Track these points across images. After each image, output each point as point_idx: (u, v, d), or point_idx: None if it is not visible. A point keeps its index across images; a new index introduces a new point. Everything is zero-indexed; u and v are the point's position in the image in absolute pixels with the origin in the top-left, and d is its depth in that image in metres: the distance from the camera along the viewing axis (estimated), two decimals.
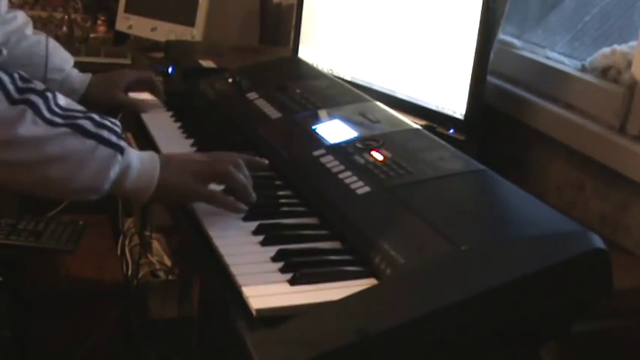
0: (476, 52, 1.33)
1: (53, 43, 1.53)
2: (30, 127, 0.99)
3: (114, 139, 1.05)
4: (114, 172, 1.04)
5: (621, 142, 1.22)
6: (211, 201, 1.10)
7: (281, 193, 1.18)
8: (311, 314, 0.86)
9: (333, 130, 1.29)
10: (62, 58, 1.52)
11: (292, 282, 0.92)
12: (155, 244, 2.22)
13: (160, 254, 2.21)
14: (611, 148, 1.23)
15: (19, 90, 1.00)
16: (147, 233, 2.15)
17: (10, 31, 1.45)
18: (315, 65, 1.70)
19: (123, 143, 1.06)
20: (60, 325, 1.90)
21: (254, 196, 1.12)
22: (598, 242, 0.91)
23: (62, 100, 1.06)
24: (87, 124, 1.03)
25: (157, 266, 2.16)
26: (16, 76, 1.02)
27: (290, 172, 1.22)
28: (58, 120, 1.02)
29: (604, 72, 1.33)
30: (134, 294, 2.03)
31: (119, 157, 1.04)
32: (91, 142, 1.03)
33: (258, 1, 2.41)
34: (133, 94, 1.59)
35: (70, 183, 1.03)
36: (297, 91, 1.48)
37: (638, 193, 1.20)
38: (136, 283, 2.06)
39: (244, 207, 1.10)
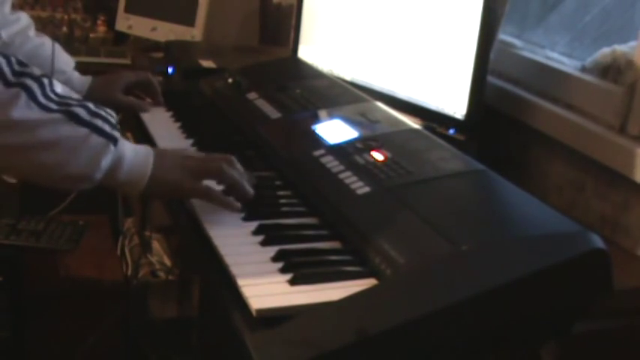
0: (476, 52, 1.33)
1: (56, 46, 1.53)
2: (23, 111, 0.99)
3: (107, 128, 1.04)
4: (106, 162, 1.04)
5: (621, 142, 1.22)
6: (204, 197, 1.10)
7: (281, 193, 1.18)
8: (311, 314, 0.86)
9: (333, 130, 1.29)
10: (64, 61, 1.53)
11: (292, 282, 0.92)
12: (155, 244, 2.22)
13: (159, 254, 2.21)
14: (611, 148, 1.23)
15: (15, 73, 1.00)
16: (147, 233, 2.15)
17: (14, 33, 1.46)
18: (315, 65, 1.70)
19: (116, 134, 1.05)
20: (60, 325, 1.90)
21: (250, 191, 1.12)
22: (598, 242, 0.91)
23: (59, 87, 1.05)
24: (81, 112, 1.03)
25: (157, 266, 2.16)
26: (12, 59, 1.01)
27: (290, 172, 1.22)
28: (53, 106, 1.02)
29: (604, 72, 1.33)
30: (134, 294, 2.03)
31: (111, 146, 1.04)
32: (83, 130, 1.03)
33: (258, 1, 2.41)
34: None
35: (63, 169, 1.03)
36: (297, 91, 1.48)
37: (638, 193, 1.20)
38: (135, 283, 2.06)
39: (238, 205, 1.10)
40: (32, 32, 1.50)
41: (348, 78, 1.63)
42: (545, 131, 1.37)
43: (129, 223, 2.28)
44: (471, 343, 0.88)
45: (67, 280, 1.92)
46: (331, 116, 1.35)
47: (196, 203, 1.12)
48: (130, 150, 1.08)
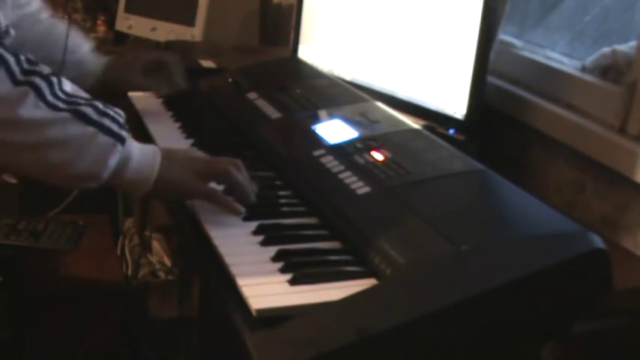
0: (476, 52, 1.33)
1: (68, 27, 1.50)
2: (31, 110, 1.00)
3: (115, 128, 1.05)
4: (113, 161, 1.04)
5: (621, 142, 1.22)
6: (209, 199, 1.10)
7: (281, 193, 1.18)
8: (311, 314, 0.86)
9: (333, 130, 1.29)
10: (76, 42, 1.49)
11: (292, 282, 0.92)
12: (155, 244, 2.22)
13: (159, 254, 2.21)
14: (611, 148, 1.23)
15: (24, 72, 1.01)
16: (147, 233, 2.15)
17: (23, 15, 1.43)
18: (315, 65, 1.70)
19: (124, 133, 1.06)
20: (60, 325, 1.90)
21: (253, 197, 1.12)
22: (598, 242, 0.91)
23: (68, 85, 1.06)
24: (89, 112, 1.04)
25: (157, 266, 2.16)
26: (22, 58, 1.02)
27: (290, 172, 1.22)
28: (61, 105, 1.02)
29: (604, 72, 1.33)
30: (134, 294, 2.03)
31: (119, 146, 1.05)
32: (91, 129, 1.03)
33: (258, 1, 2.41)
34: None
35: (70, 168, 1.04)
36: (297, 91, 1.48)
37: (638, 193, 1.20)
38: (135, 283, 2.06)
39: (242, 208, 1.10)
40: (45, 15, 1.47)
41: (348, 78, 1.63)
42: (546, 131, 1.37)
43: (129, 223, 2.28)
44: (471, 343, 0.88)
45: (67, 280, 1.92)
46: (331, 116, 1.35)
47: (196, 203, 1.12)
48: (137, 150, 1.08)
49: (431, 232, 0.95)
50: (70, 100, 1.04)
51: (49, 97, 1.02)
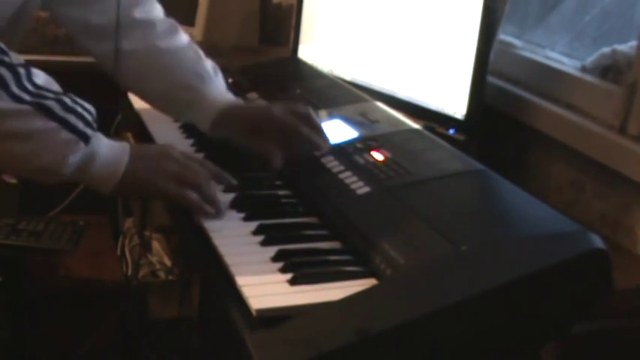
0: (476, 52, 1.33)
1: (187, 53, 1.39)
2: None
3: (80, 125, 1.04)
4: (75, 158, 1.03)
5: (621, 142, 1.22)
6: (178, 200, 1.09)
7: (281, 193, 1.18)
8: (311, 314, 0.86)
9: (333, 130, 1.29)
10: (193, 71, 1.33)
11: (292, 282, 0.92)
12: (155, 244, 2.22)
13: (159, 254, 2.21)
14: (611, 148, 1.23)
15: None
16: (147, 233, 2.14)
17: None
18: (315, 65, 1.70)
19: (89, 131, 1.04)
20: (60, 325, 1.90)
21: (222, 210, 1.09)
22: (598, 242, 0.91)
23: (40, 78, 1.04)
24: (54, 106, 1.02)
25: (157, 266, 2.15)
26: None
27: (290, 172, 1.22)
28: (26, 97, 1.01)
29: (604, 72, 1.33)
30: (134, 294, 2.03)
31: (82, 144, 1.03)
32: (54, 125, 1.02)
33: (258, 1, 2.41)
34: None
35: (31, 162, 1.03)
36: (297, 91, 1.48)
37: (638, 193, 1.20)
38: (136, 283, 2.06)
39: (212, 211, 1.08)
40: (167, 42, 1.38)
41: (348, 78, 1.63)
42: (545, 131, 1.37)
43: (129, 223, 2.28)
44: (471, 343, 0.88)
45: (67, 280, 1.92)
46: (331, 116, 1.35)
47: None
48: (104, 148, 1.07)
49: (431, 232, 0.95)
50: (37, 92, 1.02)
51: (14, 88, 1.00)
